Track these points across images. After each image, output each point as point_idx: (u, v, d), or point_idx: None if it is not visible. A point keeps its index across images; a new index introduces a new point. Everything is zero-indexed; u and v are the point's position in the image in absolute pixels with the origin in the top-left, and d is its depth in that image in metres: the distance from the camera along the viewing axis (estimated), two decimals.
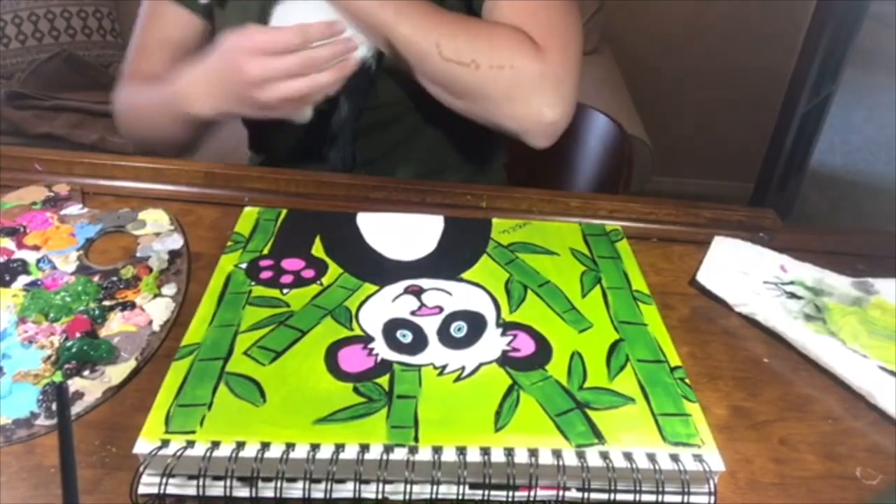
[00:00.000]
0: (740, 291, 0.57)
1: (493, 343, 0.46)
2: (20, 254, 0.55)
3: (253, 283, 0.51)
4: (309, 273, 0.52)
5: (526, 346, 0.46)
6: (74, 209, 0.62)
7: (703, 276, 0.59)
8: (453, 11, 0.68)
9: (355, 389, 0.42)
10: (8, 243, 0.56)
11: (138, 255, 0.57)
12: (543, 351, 0.46)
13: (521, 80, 0.66)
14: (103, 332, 0.49)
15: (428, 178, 0.82)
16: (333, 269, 0.53)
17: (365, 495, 0.38)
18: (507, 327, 0.48)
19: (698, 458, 0.39)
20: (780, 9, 2.23)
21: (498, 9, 0.70)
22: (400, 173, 0.83)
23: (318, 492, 0.37)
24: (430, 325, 0.47)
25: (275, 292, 0.50)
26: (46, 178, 0.65)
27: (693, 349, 0.52)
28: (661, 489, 0.38)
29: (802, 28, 2.17)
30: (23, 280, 0.53)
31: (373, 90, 0.74)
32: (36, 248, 0.56)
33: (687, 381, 0.45)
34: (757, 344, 0.54)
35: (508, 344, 0.46)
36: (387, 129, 0.80)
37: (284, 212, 0.60)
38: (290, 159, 0.84)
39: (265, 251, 0.55)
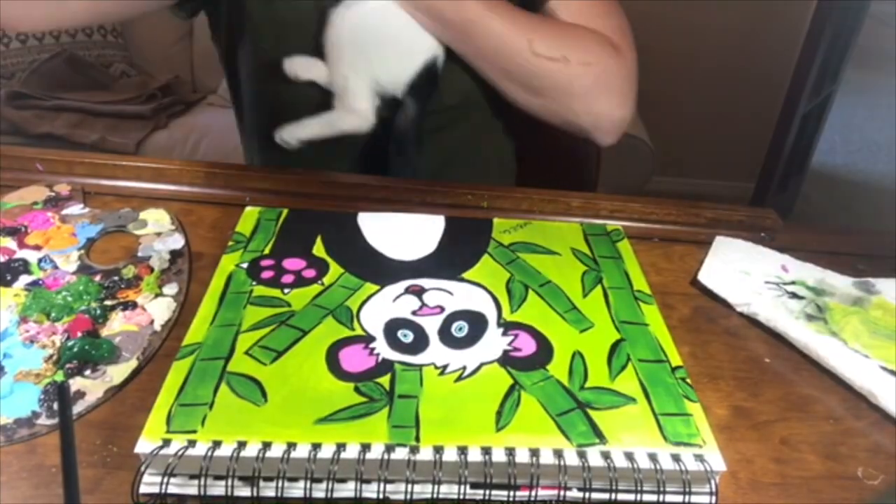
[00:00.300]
0: (741, 291, 0.57)
1: (494, 343, 0.46)
2: (21, 253, 0.55)
3: (254, 283, 0.51)
4: (310, 273, 0.52)
5: (527, 345, 0.46)
6: (75, 209, 0.62)
7: (704, 276, 0.59)
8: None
9: (356, 389, 0.42)
10: (9, 243, 0.56)
11: (139, 254, 0.57)
12: (544, 351, 0.46)
13: (605, 78, 0.69)
14: (105, 332, 0.49)
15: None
16: (334, 269, 0.53)
17: (366, 495, 0.38)
18: (508, 327, 0.48)
19: (699, 457, 0.39)
20: (780, 8, 2.23)
21: (566, 9, 0.70)
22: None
23: (319, 491, 0.37)
24: (432, 324, 0.47)
25: (276, 292, 0.50)
26: (47, 178, 0.65)
27: (694, 349, 0.52)
28: (662, 489, 0.38)
29: (803, 28, 2.17)
30: (24, 280, 0.53)
31: (436, 92, 0.72)
32: (37, 247, 0.56)
33: (688, 380, 0.45)
34: (758, 344, 0.54)
35: (509, 344, 0.46)
36: (445, 134, 0.78)
37: (285, 211, 0.60)
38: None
39: (266, 251, 0.55)
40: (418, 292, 0.51)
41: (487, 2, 0.66)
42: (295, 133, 0.71)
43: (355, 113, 0.69)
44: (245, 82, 0.81)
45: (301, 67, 0.70)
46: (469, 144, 0.81)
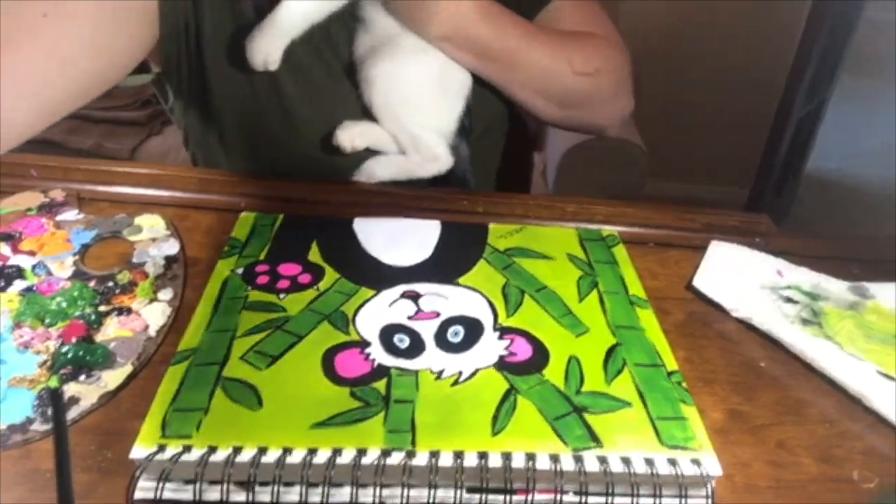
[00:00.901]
0: (736, 296, 0.57)
1: (490, 347, 0.46)
2: (15, 259, 0.55)
3: (249, 288, 0.51)
4: (305, 278, 0.52)
5: (523, 350, 0.46)
6: (70, 215, 0.61)
7: (699, 281, 0.59)
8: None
9: (352, 394, 0.42)
10: (3, 249, 0.56)
11: (134, 260, 0.56)
12: (540, 355, 0.46)
13: (621, 80, 0.72)
14: (99, 337, 0.49)
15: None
16: (330, 274, 0.53)
17: (362, 499, 0.38)
18: (504, 332, 0.48)
19: (695, 461, 0.39)
20: (774, 14, 2.24)
21: (565, 20, 0.72)
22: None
23: (315, 496, 0.37)
24: (427, 329, 0.47)
25: (271, 297, 0.50)
26: (42, 184, 0.65)
27: (690, 353, 0.52)
28: (658, 493, 0.38)
29: (797, 33, 2.18)
30: (18, 285, 0.53)
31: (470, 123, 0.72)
32: (31, 253, 0.56)
33: (684, 385, 0.45)
34: (754, 348, 0.54)
35: (505, 348, 0.46)
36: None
37: (281, 217, 0.60)
38: None
39: (262, 256, 0.54)
40: (414, 297, 0.50)
41: (523, 25, 0.66)
42: (370, 176, 0.69)
43: (435, 160, 0.67)
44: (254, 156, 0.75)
45: (357, 135, 0.66)
46: (485, 164, 0.81)
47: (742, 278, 0.60)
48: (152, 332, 0.50)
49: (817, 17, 2.07)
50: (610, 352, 0.47)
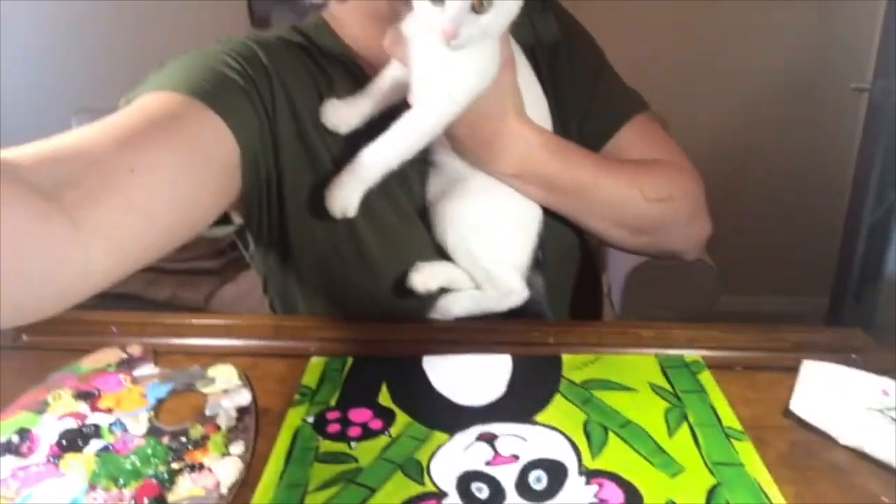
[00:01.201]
0: (841, 421, 0.52)
1: (577, 494, 0.43)
2: (93, 417, 0.56)
3: (320, 438, 0.49)
4: (377, 424, 0.51)
5: (614, 496, 0.43)
6: (146, 369, 0.62)
7: (797, 406, 0.54)
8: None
9: None
10: (82, 407, 0.57)
11: (207, 413, 0.56)
12: (633, 501, 0.42)
13: (695, 205, 0.73)
14: (172, 497, 0.47)
15: None
16: (401, 418, 0.51)
17: None
18: (590, 475, 0.44)
19: None
20: (833, 115, 2.25)
21: (632, 149, 0.73)
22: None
23: None
24: (507, 476, 0.44)
25: (342, 447, 0.48)
26: (121, 340, 0.67)
27: (799, 489, 0.47)
28: None
29: (854, 142, 2.17)
30: (95, 445, 0.53)
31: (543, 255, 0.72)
32: (109, 410, 0.57)
33: None
34: (870, 480, 0.49)
35: (595, 495, 0.43)
36: (553, 291, 0.77)
37: (350, 360, 0.59)
38: None
39: (332, 402, 0.53)
40: (490, 440, 0.48)
41: (591, 159, 0.68)
42: (445, 314, 0.68)
43: (510, 294, 0.67)
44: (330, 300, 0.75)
45: (430, 277, 0.66)
46: (559, 293, 0.79)
47: (844, 401, 0.55)
48: (224, 489, 0.48)
49: (873, 124, 2.06)
50: (711, 493, 0.43)
